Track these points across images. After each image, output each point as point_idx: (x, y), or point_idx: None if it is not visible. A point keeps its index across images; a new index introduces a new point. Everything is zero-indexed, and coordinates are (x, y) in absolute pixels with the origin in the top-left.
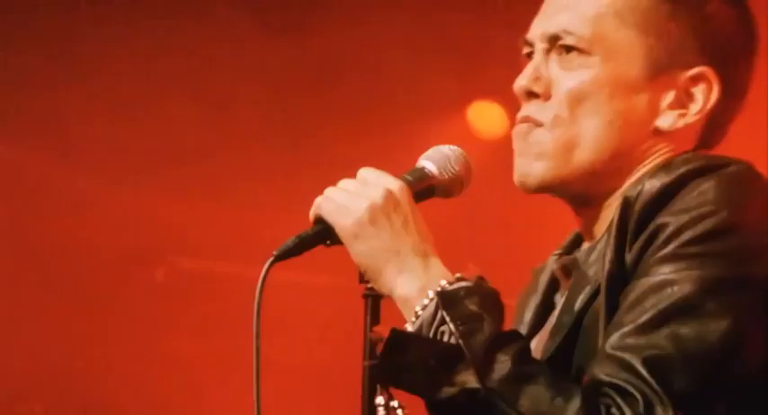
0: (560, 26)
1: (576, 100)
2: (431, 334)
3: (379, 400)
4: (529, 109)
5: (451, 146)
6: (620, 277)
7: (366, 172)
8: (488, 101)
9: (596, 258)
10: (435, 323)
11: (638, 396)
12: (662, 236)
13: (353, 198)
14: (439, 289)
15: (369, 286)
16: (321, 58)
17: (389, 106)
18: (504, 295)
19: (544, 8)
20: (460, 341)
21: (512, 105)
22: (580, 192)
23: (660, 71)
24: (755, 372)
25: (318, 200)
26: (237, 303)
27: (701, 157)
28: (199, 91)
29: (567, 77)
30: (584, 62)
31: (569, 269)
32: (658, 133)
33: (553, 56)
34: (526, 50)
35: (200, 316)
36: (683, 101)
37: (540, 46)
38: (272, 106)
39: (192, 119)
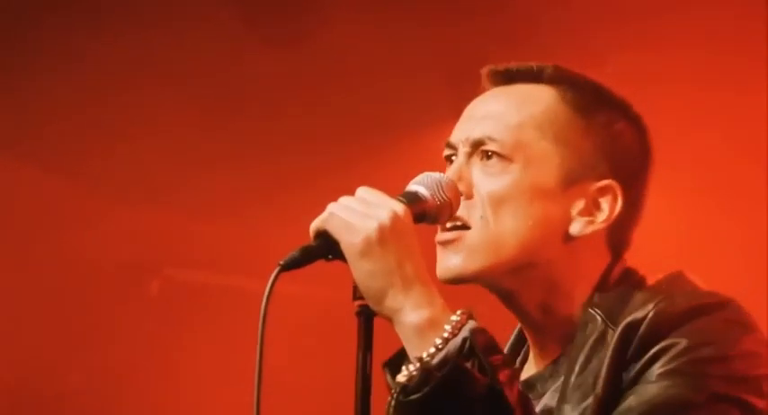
0: (484, 133)
1: (499, 202)
2: None
3: None
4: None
5: (440, 173)
6: (615, 394)
7: (366, 192)
8: None
9: (576, 379)
10: (461, 357)
11: None
12: (666, 356)
13: (361, 217)
14: (455, 323)
15: (362, 303)
16: (316, 69)
17: (383, 119)
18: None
19: (468, 114)
20: (500, 387)
21: None
22: (506, 287)
23: (573, 182)
24: None
25: (324, 215)
26: (234, 316)
27: (701, 294)
28: (196, 104)
29: (488, 181)
30: (505, 168)
31: (531, 387)
32: (570, 238)
33: (475, 160)
34: (447, 152)
35: (197, 329)
36: (591, 209)
37: (462, 149)
38: (269, 120)
39: (190, 132)
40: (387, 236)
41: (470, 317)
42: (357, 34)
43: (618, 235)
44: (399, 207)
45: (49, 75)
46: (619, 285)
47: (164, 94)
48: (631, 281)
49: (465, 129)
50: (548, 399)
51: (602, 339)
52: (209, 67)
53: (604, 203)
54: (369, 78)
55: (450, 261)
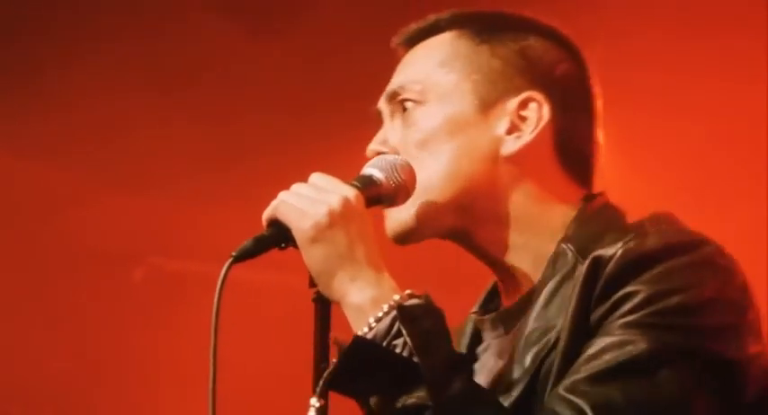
0: (395, 84)
1: (422, 146)
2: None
3: (314, 401)
4: None
5: (395, 156)
6: (581, 335)
7: (318, 178)
8: None
9: (542, 312)
10: (390, 337)
11: None
12: (629, 303)
13: (311, 203)
14: (393, 302)
15: (318, 290)
16: (301, 61)
17: (369, 113)
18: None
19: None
20: (417, 357)
21: None
22: (457, 228)
23: (490, 104)
24: None
25: (274, 203)
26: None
27: (676, 232)
28: (182, 95)
29: (408, 132)
30: (421, 112)
31: (503, 323)
32: (507, 160)
33: (397, 117)
34: (379, 120)
35: (180, 318)
36: (517, 125)
37: (385, 111)
38: (254, 112)
39: (175, 123)
40: (336, 221)
41: (414, 297)
42: (343, 26)
43: (566, 147)
44: (350, 192)
45: (39, 67)
46: (596, 219)
47: (150, 86)
48: (610, 216)
49: (383, 97)
50: (511, 338)
51: (570, 274)
52: (195, 59)
53: (530, 113)
54: (355, 71)
55: (392, 220)
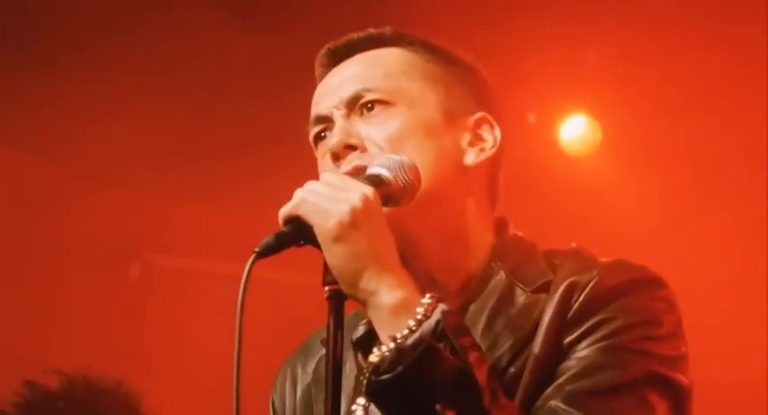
0: (358, 87)
1: (397, 144)
2: None
3: (361, 400)
4: (354, 161)
5: (402, 156)
6: (555, 351)
7: (332, 178)
8: None
9: (482, 331)
10: (434, 339)
11: None
12: (607, 328)
13: (333, 202)
14: (428, 305)
15: (333, 288)
16: (301, 57)
17: None
18: None
19: (324, 89)
20: (470, 369)
21: None
22: (410, 233)
23: (453, 116)
24: None
25: (296, 201)
26: (213, 300)
27: (640, 268)
28: (179, 90)
29: (378, 129)
30: (391, 112)
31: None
32: (465, 169)
33: (354, 118)
34: (317, 129)
35: (175, 313)
36: (476, 140)
37: (338, 113)
38: (252, 106)
39: (173, 119)
40: (359, 219)
41: (440, 300)
42: (342, 22)
43: (493, 175)
44: (369, 190)
45: (29, 60)
46: (517, 245)
47: (146, 80)
48: (527, 243)
49: (332, 97)
50: None
51: (509, 296)
52: (193, 53)
53: (485, 133)
54: None
55: None
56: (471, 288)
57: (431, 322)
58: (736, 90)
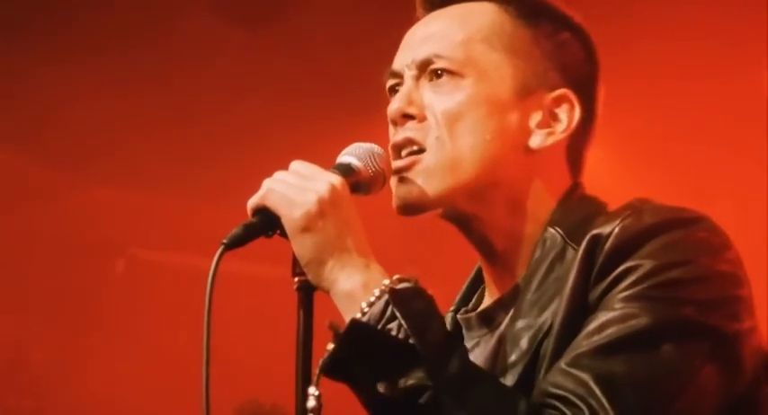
0: (431, 51)
1: (454, 119)
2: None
3: (313, 390)
4: (407, 131)
5: (371, 143)
6: (581, 312)
7: (300, 166)
8: None
9: (537, 295)
10: (384, 320)
11: (585, 409)
12: (630, 278)
13: (300, 191)
14: (384, 286)
15: (301, 279)
16: (284, 50)
17: (353, 101)
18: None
19: (407, 41)
20: (413, 339)
21: None
22: (467, 211)
23: (528, 92)
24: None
25: (261, 191)
26: (199, 294)
27: (670, 209)
28: (164, 84)
29: (441, 100)
30: (457, 84)
31: (490, 317)
32: (530, 152)
33: (423, 82)
34: (391, 82)
35: (160, 307)
36: (549, 121)
37: (409, 74)
38: (240, 100)
39: (156, 110)
40: (326, 209)
41: (404, 280)
42: (327, 15)
43: (576, 150)
44: (336, 180)
45: (21, 54)
46: (581, 206)
47: (133, 73)
48: (593, 204)
49: (408, 53)
50: (504, 327)
51: (560, 257)
52: (178, 47)
53: (562, 113)
54: (338, 60)
55: (406, 189)
56: (529, 255)
57: (380, 303)
58: (734, 88)
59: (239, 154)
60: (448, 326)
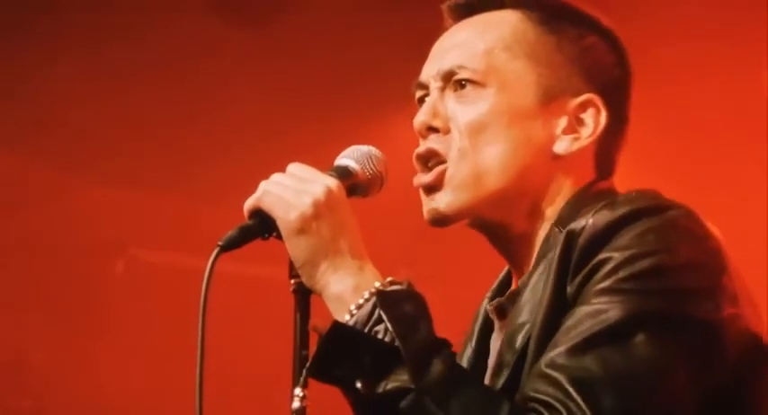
0: (454, 62)
1: (477, 130)
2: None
3: (297, 391)
4: (430, 142)
5: (369, 146)
6: (560, 309)
7: (298, 169)
8: None
9: (531, 293)
10: (371, 323)
11: (563, 411)
12: (602, 270)
13: (295, 194)
14: (374, 289)
15: (298, 281)
16: (281, 51)
17: (350, 102)
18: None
19: (435, 51)
20: (398, 341)
21: None
22: (493, 220)
23: (552, 98)
24: (678, 406)
25: (257, 194)
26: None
27: (646, 198)
28: (162, 84)
29: (464, 111)
30: (480, 94)
31: (504, 309)
32: (556, 158)
33: (449, 93)
34: (419, 94)
35: (161, 309)
36: (574, 126)
37: (434, 85)
38: (236, 100)
39: (157, 111)
40: (321, 211)
41: (395, 283)
42: (325, 16)
43: (605, 154)
44: (332, 182)
45: (20, 55)
46: (589, 202)
47: (131, 73)
48: (604, 198)
49: (434, 65)
50: (509, 324)
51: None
52: (178, 48)
53: (587, 118)
54: (336, 61)
55: (434, 203)
56: (542, 252)
57: (368, 306)
58: (731, 87)
59: (241, 155)
60: (480, 312)
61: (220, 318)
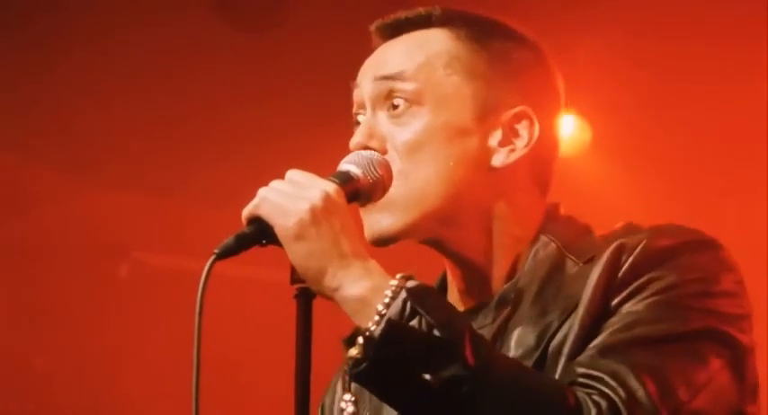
0: (387, 83)
1: (414, 150)
2: None
3: (347, 397)
4: None
5: (371, 151)
6: (602, 312)
7: (296, 174)
8: None
9: (534, 300)
10: (404, 319)
11: (621, 390)
12: (656, 286)
13: (292, 200)
14: (395, 287)
15: (300, 286)
16: (285, 55)
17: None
18: None
19: (364, 71)
20: (442, 332)
21: None
22: (439, 237)
23: (487, 113)
24: None
25: (255, 201)
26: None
27: (690, 231)
28: (165, 87)
29: (400, 131)
30: (416, 112)
31: (473, 316)
32: (493, 171)
33: (383, 112)
34: (354, 111)
35: (165, 313)
36: (509, 138)
37: (368, 104)
38: (239, 104)
39: (161, 112)
40: (319, 217)
41: (409, 278)
42: (326, 19)
43: (541, 164)
44: (331, 187)
45: (22, 58)
46: (569, 223)
47: (133, 76)
48: (579, 223)
49: (367, 85)
50: (497, 328)
51: (558, 267)
52: (181, 52)
53: (522, 129)
54: (340, 66)
55: (374, 223)
56: (509, 267)
57: (398, 302)
58: (730, 88)
59: (245, 159)
60: None
61: (224, 322)
